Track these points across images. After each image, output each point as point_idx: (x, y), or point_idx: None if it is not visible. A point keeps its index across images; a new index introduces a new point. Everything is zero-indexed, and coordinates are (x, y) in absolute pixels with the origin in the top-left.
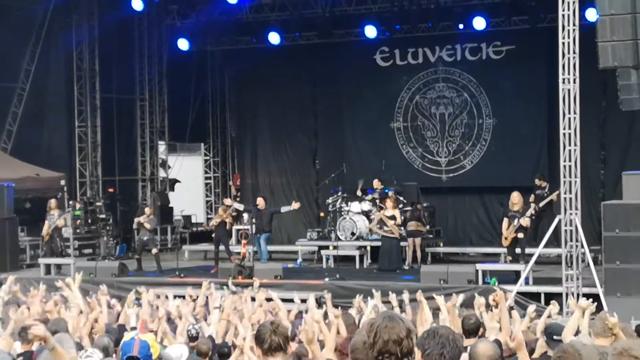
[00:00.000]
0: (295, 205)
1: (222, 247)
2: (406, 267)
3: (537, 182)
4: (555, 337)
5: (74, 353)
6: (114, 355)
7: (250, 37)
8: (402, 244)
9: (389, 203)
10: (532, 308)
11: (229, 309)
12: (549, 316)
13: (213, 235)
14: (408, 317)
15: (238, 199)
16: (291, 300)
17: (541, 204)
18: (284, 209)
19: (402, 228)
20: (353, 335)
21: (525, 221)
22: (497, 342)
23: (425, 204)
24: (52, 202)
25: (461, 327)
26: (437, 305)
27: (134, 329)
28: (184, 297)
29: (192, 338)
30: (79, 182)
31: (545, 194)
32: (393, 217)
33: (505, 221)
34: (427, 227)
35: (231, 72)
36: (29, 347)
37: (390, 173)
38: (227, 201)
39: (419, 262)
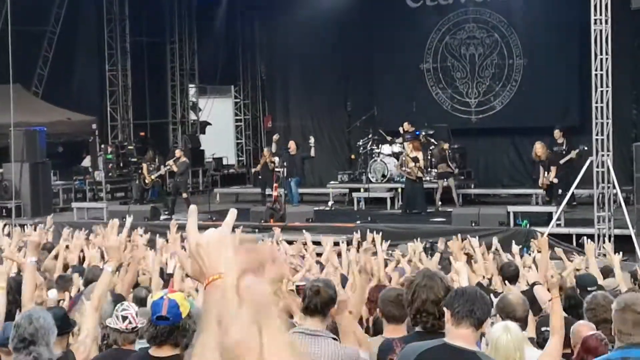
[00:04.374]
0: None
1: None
2: (431, 210)
3: (556, 135)
4: (589, 288)
5: (108, 308)
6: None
7: None
8: (432, 186)
9: (413, 144)
10: (578, 259)
11: None
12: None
13: (260, 177)
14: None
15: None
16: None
17: (561, 162)
18: (313, 152)
19: (429, 171)
20: (382, 284)
21: (553, 171)
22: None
23: (449, 145)
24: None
25: (499, 274)
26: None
27: (170, 275)
28: None
29: None
30: (110, 125)
31: (564, 151)
32: (415, 159)
33: (541, 169)
34: (455, 168)
35: (261, 13)
36: (65, 295)
37: (421, 115)
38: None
39: (456, 203)
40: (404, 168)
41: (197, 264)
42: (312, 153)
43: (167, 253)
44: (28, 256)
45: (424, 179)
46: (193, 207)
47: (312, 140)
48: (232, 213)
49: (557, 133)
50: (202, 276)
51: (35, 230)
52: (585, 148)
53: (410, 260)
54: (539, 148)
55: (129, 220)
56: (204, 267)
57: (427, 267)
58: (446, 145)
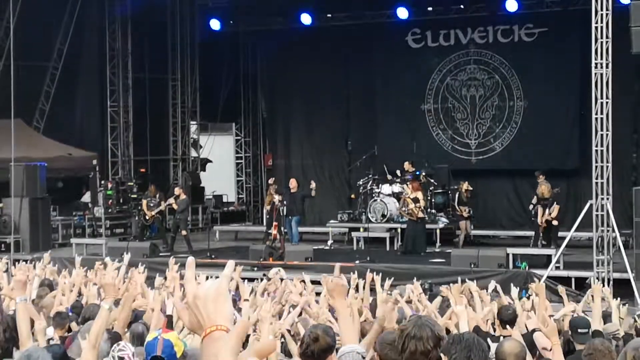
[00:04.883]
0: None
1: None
2: (429, 251)
3: (539, 179)
4: (580, 330)
5: (104, 347)
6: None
7: (282, 17)
8: (432, 226)
9: (412, 185)
10: (571, 306)
11: (259, 294)
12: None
13: (267, 216)
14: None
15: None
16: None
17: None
18: (314, 193)
19: (429, 211)
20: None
21: (555, 210)
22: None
23: (466, 186)
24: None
25: (497, 317)
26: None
27: (169, 316)
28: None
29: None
30: (110, 161)
31: None
32: (416, 200)
33: (540, 209)
34: (467, 212)
35: (263, 52)
36: (63, 332)
37: (421, 155)
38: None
39: (459, 245)
40: (404, 209)
41: (195, 316)
42: (313, 193)
43: (165, 291)
44: (16, 295)
45: (425, 219)
46: (191, 260)
47: (313, 185)
48: (230, 265)
49: (540, 177)
50: (199, 328)
51: (34, 267)
52: (558, 190)
53: (410, 301)
54: (544, 188)
55: (126, 257)
56: (201, 319)
57: (428, 310)
58: (464, 188)
